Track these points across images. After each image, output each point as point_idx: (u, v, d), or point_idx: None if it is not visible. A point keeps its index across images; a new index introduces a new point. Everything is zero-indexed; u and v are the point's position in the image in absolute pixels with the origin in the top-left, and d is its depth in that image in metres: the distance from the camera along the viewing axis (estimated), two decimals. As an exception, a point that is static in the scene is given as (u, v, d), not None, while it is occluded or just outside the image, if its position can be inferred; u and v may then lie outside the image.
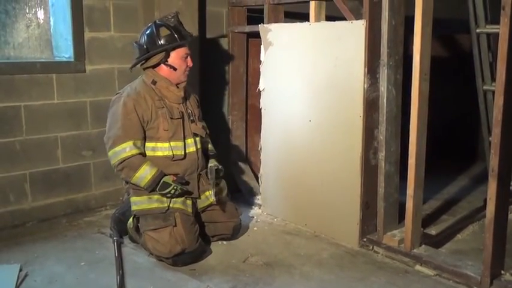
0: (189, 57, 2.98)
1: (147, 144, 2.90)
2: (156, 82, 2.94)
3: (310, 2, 3.35)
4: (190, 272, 2.78)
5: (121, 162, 2.80)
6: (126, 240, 3.15)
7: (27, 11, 3.53)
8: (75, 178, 3.65)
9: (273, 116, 3.55)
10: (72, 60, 3.55)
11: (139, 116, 2.85)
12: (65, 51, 3.59)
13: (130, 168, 2.81)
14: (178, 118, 2.94)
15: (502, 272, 2.62)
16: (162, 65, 2.94)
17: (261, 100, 3.65)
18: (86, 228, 3.41)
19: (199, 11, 3.81)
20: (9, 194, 3.37)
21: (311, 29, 3.27)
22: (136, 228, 3.01)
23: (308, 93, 3.30)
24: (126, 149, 2.80)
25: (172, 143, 2.91)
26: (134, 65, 3.02)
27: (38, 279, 2.68)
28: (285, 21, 3.69)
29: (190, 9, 3.74)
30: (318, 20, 3.33)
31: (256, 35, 3.67)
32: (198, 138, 3.05)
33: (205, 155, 3.16)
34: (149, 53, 2.90)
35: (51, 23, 3.62)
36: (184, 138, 2.97)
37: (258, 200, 3.87)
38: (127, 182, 2.96)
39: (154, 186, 2.82)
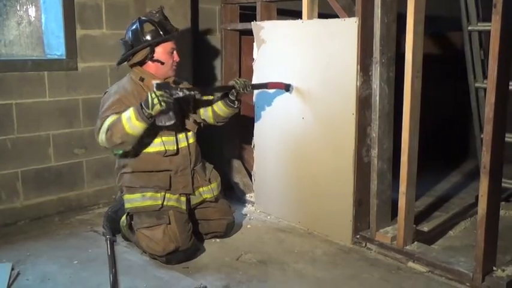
0: (175, 52, 2.95)
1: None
2: (143, 79, 2.90)
3: (303, -1, 3.35)
4: (184, 270, 2.78)
5: (107, 131, 2.71)
6: (119, 238, 3.14)
7: (18, 8, 3.51)
8: (67, 176, 3.64)
9: (265, 114, 3.55)
10: (64, 57, 3.53)
11: (127, 107, 2.79)
12: (56, 48, 3.57)
13: (115, 125, 2.69)
14: None
15: (494, 268, 2.63)
16: (149, 62, 2.91)
17: (254, 97, 3.65)
18: (78, 226, 3.40)
19: (191, 8, 3.80)
20: (1, 192, 3.35)
21: (304, 26, 3.27)
22: (130, 226, 3.00)
23: (301, 90, 3.30)
24: (108, 119, 2.75)
25: (164, 138, 2.89)
26: (120, 62, 3.01)
27: (30, 278, 2.66)
28: (278, 19, 3.69)
29: (183, 6, 3.73)
30: (310, 17, 3.32)
31: (249, 33, 3.67)
32: (190, 133, 3.03)
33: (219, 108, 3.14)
34: (134, 49, 2.86)
35: (43, 20, 3.60)
36: (176, 133, 2.93)
37: (252, 197, 3.87)
38: (121, 175, 2.96)
39: (144, 113, 2.64)
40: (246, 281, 2.66)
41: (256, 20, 3.62)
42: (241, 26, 3.91)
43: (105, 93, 2.97)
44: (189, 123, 3.04)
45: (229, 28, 3.98)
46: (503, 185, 2.87)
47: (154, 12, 2.94)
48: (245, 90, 3.06)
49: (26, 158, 3.43)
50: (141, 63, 2.92)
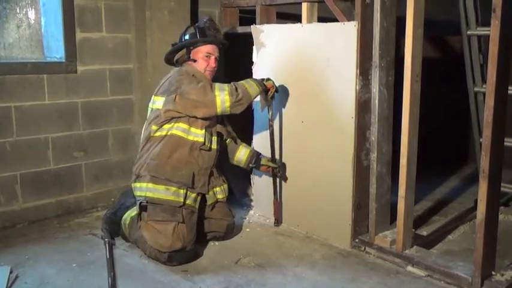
0: (212, 57, 3.06)
1: (181, 124, 2.93)
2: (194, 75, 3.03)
3: (302, 3, 3.35)
4: (183, 273, 2.78)
5: (233, 91, 2.93)
6: (117, 241, 3.14)
7: (18, 11, 3.51)
8: (66, 179, 3.64)
9: (265, 117, 3.54)
10: (64, 60, 3.54)
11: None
12: (56, 51, 3.57)
13: (238, 86, 2.96)
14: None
15: (493, 272, 2.63)
16: (190, 62, 3.06)
17: (253, 100, 3.64)
18: (77, 229, 3.39)
19: (191, 11, 3.81)
20: (0, 195, 3.35)
21: (303, 30, 3.27)
22: (138, 217, 2.99)
23: (300, 94, 3.31)
24: (221, 87, 2.95)
25: (206, 132, 2.99)
26: (166, 60, 3.17)
27: (29, 281, 2.66)
28: (277, 22, 3.69)
29: (182, 10, 3.74)
30: (310, 21, 3.33)
31: (249, 36, 3.67)
32: (219, 139, 3.15)
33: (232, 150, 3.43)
34: (173, 48, 3.10)
35: (42, 23, 3.60)
36: (212, 135, 3.06)
37: (251, 201, 3.86)
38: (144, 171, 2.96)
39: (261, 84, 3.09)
40: (245, 285, 2.66)
41: (255, 24, 3.62)
42: (241, 29, 3.91)
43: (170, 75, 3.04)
44: (222, 128, 3.18)
45: (229, 32, 3.99)
46: (502, 189, 2.86)
47: (204, 20, 3.11)
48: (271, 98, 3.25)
49: (25, 160, 3.43)
50: (182, 62, 3.09)
